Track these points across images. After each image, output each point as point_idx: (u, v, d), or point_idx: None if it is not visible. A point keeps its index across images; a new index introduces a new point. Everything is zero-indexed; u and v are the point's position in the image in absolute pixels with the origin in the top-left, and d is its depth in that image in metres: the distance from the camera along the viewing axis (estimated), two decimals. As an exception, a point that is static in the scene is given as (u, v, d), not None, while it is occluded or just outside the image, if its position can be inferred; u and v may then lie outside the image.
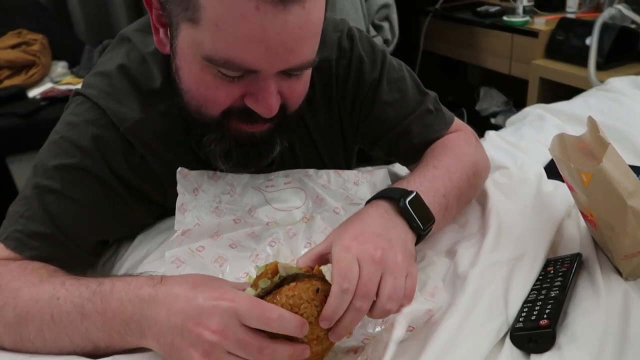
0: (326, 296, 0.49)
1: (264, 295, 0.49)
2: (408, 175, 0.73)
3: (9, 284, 0.57)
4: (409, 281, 0.55)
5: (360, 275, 0.50)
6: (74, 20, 2.40)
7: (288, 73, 0.57)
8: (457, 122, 0.84)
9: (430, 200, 0.65)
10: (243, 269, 0.64)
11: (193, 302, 0.48)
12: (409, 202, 0.61)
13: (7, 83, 1.96)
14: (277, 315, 0.46)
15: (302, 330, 0.47)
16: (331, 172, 0.76)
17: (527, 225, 0.72)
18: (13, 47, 2.04)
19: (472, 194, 0.78)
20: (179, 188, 0.66)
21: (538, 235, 0.70)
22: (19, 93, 1.91)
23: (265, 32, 0.50)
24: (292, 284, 0.49)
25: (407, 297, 0.54)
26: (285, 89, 0.59)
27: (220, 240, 0.66)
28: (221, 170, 0.70)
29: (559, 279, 0.61)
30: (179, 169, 0.66)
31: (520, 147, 1.00)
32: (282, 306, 0.48)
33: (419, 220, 0.61)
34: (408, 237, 0.60)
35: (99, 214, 0.66)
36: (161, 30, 0.61)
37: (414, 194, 0.62)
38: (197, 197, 0.67)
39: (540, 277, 0.63)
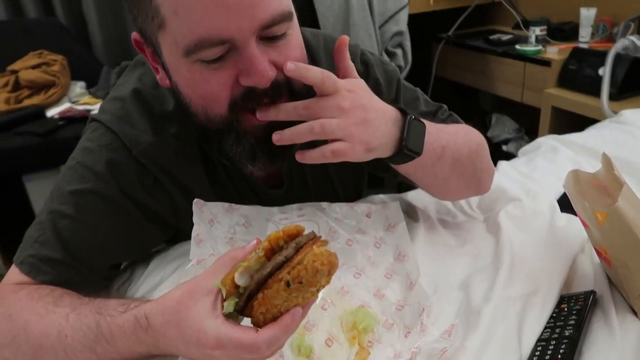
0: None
1: (243, 305, 0.48)
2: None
3: (19, 313, 0.59)
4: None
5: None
6: (93, 42, 2.45)
7: (269, 38, 0.55)
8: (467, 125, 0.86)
9: (430, 141, 0.66)
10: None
11: (191, 350, 0.49)
12: (413, 123, 0.63)
13: (27, 102, 2.00)
14: (265, 346, 0.46)
15: (296, 322, 0.47)
16: (344, 205, 0.77)
17: (541, 259, 0.72)
18: (34, 67, 2.09)
19: (468, 167, 0.76)
20: (195, 219, 0.67)
21: (551, 270, 0.70)
22: (38, 112, 1.95)
23: None
24: (260, 296, 0.46)
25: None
26: (276, 57, 0.56)
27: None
28: (246, 178, 0.71)
29: (573, 317, 0.60)
30: (195, 200, 0.67)
31: (533, 178, 1.00)
32: (263, 322, 0.47)
33: (409, 139, 0.62)
34: (391, 132, 0.61)
35: (113, 237, 0.67)
36: (159, 67, 0.62)
37: (422, 124, 0.64)
38: (213, 228, 0.68)
39: (554, 315, 0.63)
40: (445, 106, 0.84)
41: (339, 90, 0.57)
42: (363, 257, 0.72)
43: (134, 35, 0.61)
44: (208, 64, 0.54)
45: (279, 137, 0.57)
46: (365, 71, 0.76)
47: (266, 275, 0.46)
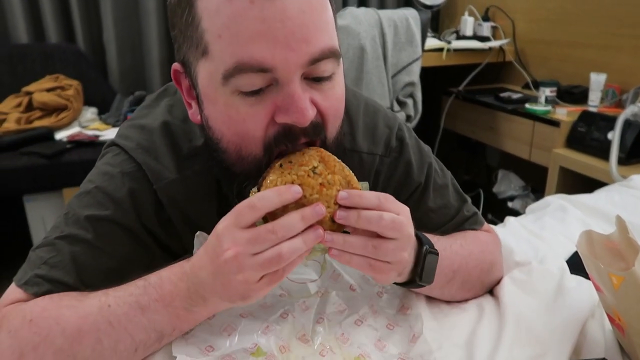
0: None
1: None
2: (438, 235, 0.72)
3: (43, 314, 0.56)
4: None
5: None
6: (109, 71, 2.50)
7: (315, 79, 0.54)
8: (487, 226, 0.85)
9: (441, 266, 0.65)
10: (252, 340, 0.61)
11: (210, 251, 0.54)
12: (428, 256, 0.62)
13: (37, 123, 2.02)
14: (257, 197, 0.51)
15: (291, 191, 0.51)
16: None
17: (548, 322, 0.69)
18: (49, 90, 2.12)
19: (476, 287, 0.77)
20: (195, 252, 0.65)
21: (560, 334, 0.67)
22: (47, 134, 1.97)
23: (267, 23, 0.49)
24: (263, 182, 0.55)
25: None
26: (319, 100, 0.55)
27: (232, 308, 0.64)
28: None
29: (584, 385, 0.57)
30: (198, 233, 0.66)
31: (542, 237, 0.98)
32: None
33: (422, 272, 0.62)
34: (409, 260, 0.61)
35: (127, 267, 0.64)
36: (193, 103, 0.61)
37: (436, 254, 0.63)
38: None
39: (564, 381, 0.60)
40: (469, 200, 0.83)
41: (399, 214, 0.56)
42: (366, 305, 0.69)
43: (175, 65, 0.60)
44: (245, 96, 0.53)
45: (337, 254, 0.55)
46: (399, 148, 0.75)
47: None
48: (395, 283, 0.65)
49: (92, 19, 2.45)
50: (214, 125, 0.58)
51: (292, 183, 0.53)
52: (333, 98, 0.57)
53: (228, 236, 0.52)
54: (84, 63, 2.34)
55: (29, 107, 2.08)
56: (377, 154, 0.74)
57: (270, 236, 0.50)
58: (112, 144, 0.68)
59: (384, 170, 0.74)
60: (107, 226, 0.62)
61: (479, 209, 2.61)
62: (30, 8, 2.31)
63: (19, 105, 2.07)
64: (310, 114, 0.53)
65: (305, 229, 0.52)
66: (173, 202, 0.65)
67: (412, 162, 0.75)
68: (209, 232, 0.64)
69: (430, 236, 0.66)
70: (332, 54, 0.53)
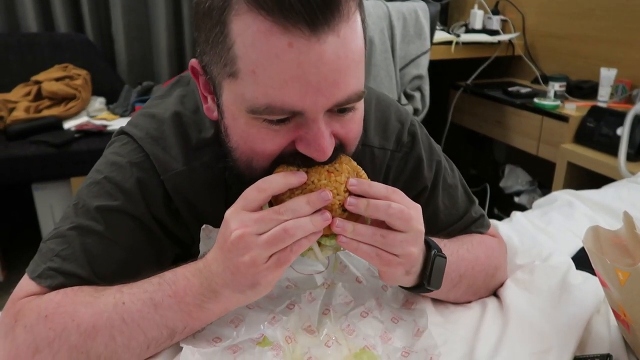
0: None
1: None
2: (445, 239, 0.73)
3: (60, 309, 0.57)
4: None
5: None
6: (118, 61, 2.51)
7: (339, 110, 0.54)
8: (493, 229, 0.86)
9: (448, 271, 0.66)
10: (259, 330, 0.62)
11: (219, 239, 0.56)
12: (436, 260, 0.63)
13: (46, 113, 2.03)
14: (263, 180, 0.54)
15: (296, 175, 0.54)
16: None
17: (553, 318, 0.69)
18: (57, 79, 2.13)
19: (481, 290, 0.77)
20: (201, 246, 0.65)
21: (565, 329, 0.67)
22: (56, 123, 1.98)
23: (302, 67, 0.49)
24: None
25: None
26: (339, 129, 0.56)
27: (240, 300, 0.64)
28: None
29: (588, 380, 0.57)
30: (204, 226, 0.66)
31: (548, 232, 0.98)
32: None
33: (430, 276, 0.62)
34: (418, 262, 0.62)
35: (138, 257, 0.65)
36: (209, 98, 0.61)
37: (444, 258, 0.64)
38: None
39: (568, 376, 0.60)
40: (477, 202, 0.83)
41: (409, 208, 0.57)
42: (372, 297, 0.70)
43: (193, 62, 0.60)
44: (270, 124, 0.53)
45: (345, 241, 0.55)
46: (411, 144, 0.75)
47: None
48: (403, 287, 0.66)
49: (101, 9, 2.46)
50: (232, 136, 0.58)
51: (299, 170, 0.55)
52: (354, 125, 0.58)
53: (235, 218, 0.53)
54: (92, 53, 2.35)
55: (38, 96, 2.10)
56: (388, 149, 0.74)
57: (276, 216, 0.52)
58: (122, 132, 0.68)
59: (395, 165, 0.75)
60: (117, 217, 0.63)
61: (485, 203, 2.60)
62: (39, -3, 2.32)
63: (28, 94, 2.09)
64: (330, 151, 0.54)
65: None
66: (180, 193, 0.65)
67: (422, 158, 0.75)
68: (216, 224, 0.64)
69: (437, 241, 0.67)
70: (357, 97, 0.54)
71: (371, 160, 0.72)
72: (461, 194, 0.79)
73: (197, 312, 0.57)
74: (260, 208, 0.54)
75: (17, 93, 2.10)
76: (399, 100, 1.99)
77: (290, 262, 0.53)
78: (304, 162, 0.56)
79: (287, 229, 0.51)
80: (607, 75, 1.98)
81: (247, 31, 0.49)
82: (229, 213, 0.55)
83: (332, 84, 0.50)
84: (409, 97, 2.02)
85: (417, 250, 0.58)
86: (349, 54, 0.51)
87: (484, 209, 2.59)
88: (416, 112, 2.04)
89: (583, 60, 2.21)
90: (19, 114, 1.97)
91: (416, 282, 0.63)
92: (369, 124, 0.72)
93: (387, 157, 0.73)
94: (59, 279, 0.60)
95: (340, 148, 0.58)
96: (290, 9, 0.47)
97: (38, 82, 2.12)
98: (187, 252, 0.73)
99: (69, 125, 2.01)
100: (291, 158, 0.56)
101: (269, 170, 0.57)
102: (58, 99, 2.10)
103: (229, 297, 0.56)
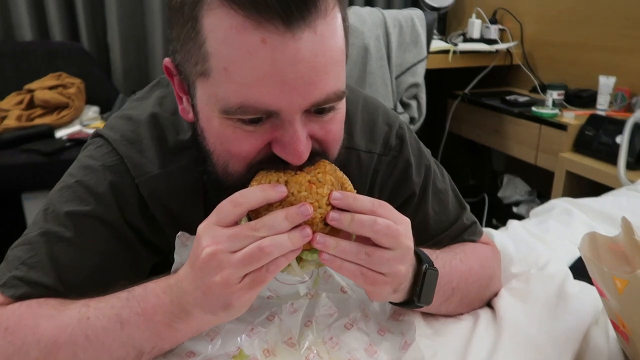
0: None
1: None
2: (436, 249, 0.70)
3: (21, 322, 0.54)
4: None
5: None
6: (113, 69, 2.49)
7: (317, 110, 0.51)
8: (486, 236, 0.82)
9: (440, 284, 0.62)
10: (235, 344, 0.59)
11: (191, 255, 0.52)
12: (428, 273, 0.59)
13: (38, 121, 2.01)
14: (240, 193, 0.50)
15: (275, 189, 0.50)
16: None
17: (549, 329, 0.66)
18: (50, 88, 2.11)
19: (474, 302, 0.74)
20: (176, 254, 0.62)
21: (561, 342, 0.64)
22: (47, 132, 1.95)
23: (276, 65, 0.46)
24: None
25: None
26: (318, 131, 0.53)
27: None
28: None
29: (585, 396, 0.54)
30: (179, 233, 0.63)
31: (545, 240, 0.95)
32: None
33: (421, 292, 0.59)
34: (407, 277, 0.57)
35: (110, 265, 0.62)
36: (184, 98, 0.59)
37: (436, 272, 0.60)
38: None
39: (564, 392, 0.57)
40: (469, 208, 0.79)
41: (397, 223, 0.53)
42: (357, 308, 0.66)
43: (167, 61, 0.57)
44: (244, 124, 0.50)
45: (328, 259, 0.51)
46: (399, 147, 0.72)
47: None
48: (391, 303, 0.62)
49: (96, 17, 2.44)
50: (208, 138, 0.55)
51: (278, 181, 0.50)
52: (334, 127, 0.55)
53: (207, 234, 0.49)
54: (87, 61, 2.33)
55: (31, 104, 2.07)
56: (375, 152, 0.71)
57: (252, 233, 0.48)
58: (97, 134, 0.65)
59: (382, 169, 0.72)
60: (88, 222, 0.60)
61: (483, 214, 2.57)
62: (34, 5, 2.31)
63: (21, 102, 2.06)
64: (305, 155, 0.51)
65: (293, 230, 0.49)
66: (156, 198, 0.62)
67: (411, 162, 0.72)
68: (194, 231, 0.61)
69: (429, 252, 0.63)
70: (336, 97, 0.51)
71: (357, 164, 0.69)
72: (452, 199, 0.76)
73: (166, 332, 0.54)
74: (236, 223, 0.50)
75: (10, 101, 2.07)
76: (395, 108, 1.97)
77: (266, 282, 0.49)
78: (284, 166, 0.52)
79: (262, 247, 0.47)
80: (606, 83, 1.95)
81: (219, 27, 0.47)
82: (201, 228, 0.51)
83: (308, 83, 0.48)
84: (406, 106, 1.99)
85: (405, 268, 0.54)
86: (326, 52, 0.48)
87: (482, 220, 2.57)
88: (412, 120, 2.02)
89: (581, 69, 2.19)
90: (11, 122, 1.94)
91: (405, 298, 0.60)
92: (355, 127, 0.70)
93: (374, 160, 0.70)
94: (23, 288, 0.57)
95: (320, 152, 0.54)
96: (264, 4, 0.44)
97: (31, 91, 2.09)
98: (166, 260, 0.70)
99: (61, 134, 1.98)
100: (269, 163, 0.53)
101: (245, 176, 0.54)
102: (51, 108, 2.08)
103: (200, 317, 0.52)
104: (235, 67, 0.47)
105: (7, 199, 1.94)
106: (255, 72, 0.46)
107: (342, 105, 0.55)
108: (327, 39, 0.48)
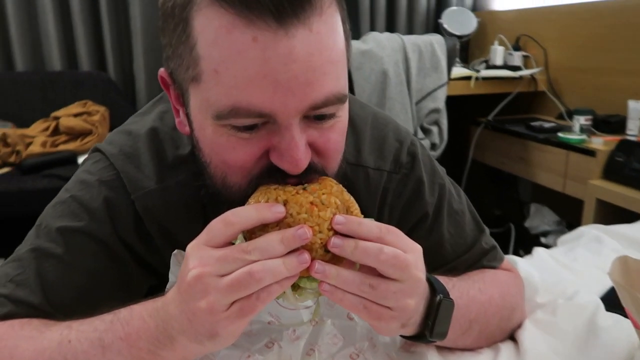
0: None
1: None
2: (454, 278, 0.64)
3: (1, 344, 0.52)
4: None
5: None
6: (138, 98, 2.55)
7: (317, 117, 0.48)
8: (507, 262, 0.77)
9: (457, 316, 0.56)
10: (230, 372, 0.55)
11: (178, 277, 0.49)
12: (442, 304, 0.53)
13: (62, 147, 2.05)
14: (232, 212, 0.46)
15: (271, 210, 0.45)
16: None
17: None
18: (76, 115, 2.16)
19: (495, 335, 0.68)
20: (171, 274, 0.60)
21: (593, 379, 0.58)
22: (70, 157, 1.99)
23: (269, 64, 0.43)
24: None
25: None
26: (317, 139, 0.50)
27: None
28: None
29: None
30: (175, 251, 0.60)
31: (573, 269, 0.89)
32: None
33: (434, 326, 0.53)
34: (419, 310, 0.52)
35: (100, 285, 0.60)
36: (180, 111, 0.57)
37: (451, 302, 0.55)
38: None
39: None
40: (488, 231, 0.74)
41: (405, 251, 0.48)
42: (364, 337, 0.62)
43: (161, 71, 0.56)
44: (238, 131, 0.48)
45: (328, 290, 0.46)
46: (410, 164, 0.68)
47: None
48: (401, 336, 0.57)
49: (123, 48, 2.52)
50: (204, 149, 0.53)
51: (277, 199, 0.46)
52: (334, 135, 0.51)
53: (195, 255, 0.45)
54: (113, 90, 2.40)
55: (56, 131, 2.12)
56: (384, 169, 0.67)
57: (242, 256, 0.43)
58: (96, 149, 0.64)
59: (392, 188, 0.68)
60: (79, 239, 0.58)
61: (509, 245, 2.47)
62: (64, 38, 2.40)
63: (47, 129, 2.12)
64: (304, 164, 0.48)
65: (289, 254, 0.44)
66: (151, 214, 0.60)
67: (423, 180, 0.68)
68: None
69: (444, 280, 0.58)
70: (337, 100, 0.48)
71: (365, 182, 0.66)
72: (469, 221, 0.71)
73: (149, 359, 0.50)
74: (230, 243, 0.46)
75: (36, 128, 2.13)
76: (416, 134, 1.94)
77: (256, 312, 0.45)
78: (282, 178, 0.49)
79: (252, 273, 0.43)
80: (636, 108, 1.88)
81: (209, 27, 0.45)
82: (190, 247, 0.47)
83: (304, 84, 0.45)
84: (426, 132, 1.96)
85: (414, 302, 0.49)
86: (323, 51, 0.45)
87: (508, 251, 2.46)
88: (434, 146, 1.98)
89: (609, 94, 2.12)
90: (35, 148, 1.99)
91: (417, 332, 0.54)
92: (364, 143, 0.67)
93: (383, 178, 0.67)
94: (8, 307, 0.55)
95: (319, 168, 0.51)
96: (254, 0, 0.42)
97: (57, 118, 2.15)
98: (164, 281, 0.68)
99: (83, 159, 2.01)
100: (269, 175, 0.49)
101: (246, 190, 0.51)
102: (75, 134, 2.12)
103: (185, 345, 0.48)
104: (225, 68, 0.45)
105: (27, 224, 1.96)
106: (246, 72, 0.44)
107: (343, 113, 0.52)
108: (323, 37, 0.45)
